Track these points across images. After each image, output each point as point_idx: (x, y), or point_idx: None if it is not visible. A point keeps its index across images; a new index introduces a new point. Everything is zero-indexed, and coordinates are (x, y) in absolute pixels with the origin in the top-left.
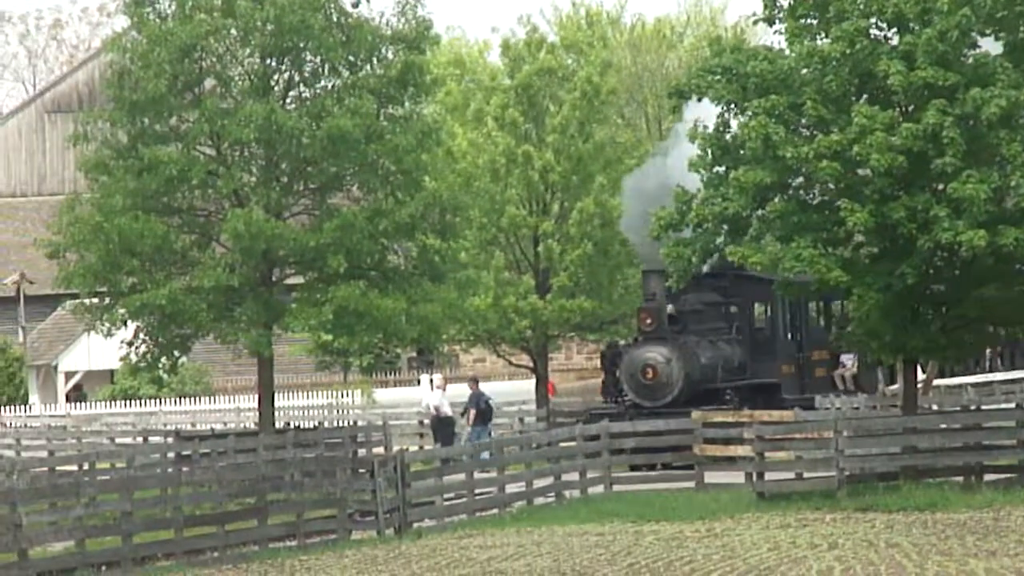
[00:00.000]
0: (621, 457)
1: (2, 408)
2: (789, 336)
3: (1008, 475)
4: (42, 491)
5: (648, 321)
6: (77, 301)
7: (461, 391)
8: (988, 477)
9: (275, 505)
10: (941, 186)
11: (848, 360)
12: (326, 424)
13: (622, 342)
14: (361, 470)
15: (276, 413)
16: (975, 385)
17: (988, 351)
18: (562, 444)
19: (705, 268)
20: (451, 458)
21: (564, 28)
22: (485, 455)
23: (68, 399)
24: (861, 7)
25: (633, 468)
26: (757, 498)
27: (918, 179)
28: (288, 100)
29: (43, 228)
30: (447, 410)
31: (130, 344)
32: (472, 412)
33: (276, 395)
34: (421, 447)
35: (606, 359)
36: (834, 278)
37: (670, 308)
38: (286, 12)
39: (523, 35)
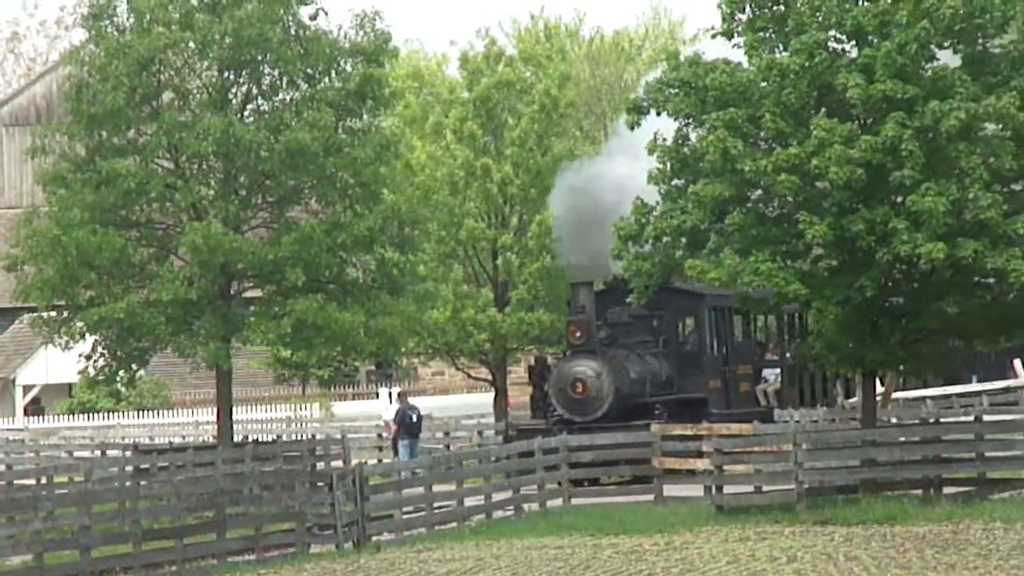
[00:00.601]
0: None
1: None
2: (715, 350)
3: (967, 488)
4: (0, 504)
5: (577, 334)
6: (35, 314)
7: (421, 404)
8: (947, 490)
9: (234, 519)
10: (900, 199)
11: (771, 375)
12: (285, 437)
13: (549, 357)
14: (320, 483)
15: (235, 426)
16: (934, 398)
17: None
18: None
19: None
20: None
21: (522, 41)
22: (418, 471)
23: (26, 412)
24: (820, 20)
25: (575, 483)
26: (716, 511)
27: (877, 192)
28: (246, 113)
29: (0, 241)
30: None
31: (88, 357)
32: (394, 427)
33: (235, 408)
34: (380, 460)
35: (534, 373)
36: (792, 291)
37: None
38: (244, 25)
39: (481, 48)
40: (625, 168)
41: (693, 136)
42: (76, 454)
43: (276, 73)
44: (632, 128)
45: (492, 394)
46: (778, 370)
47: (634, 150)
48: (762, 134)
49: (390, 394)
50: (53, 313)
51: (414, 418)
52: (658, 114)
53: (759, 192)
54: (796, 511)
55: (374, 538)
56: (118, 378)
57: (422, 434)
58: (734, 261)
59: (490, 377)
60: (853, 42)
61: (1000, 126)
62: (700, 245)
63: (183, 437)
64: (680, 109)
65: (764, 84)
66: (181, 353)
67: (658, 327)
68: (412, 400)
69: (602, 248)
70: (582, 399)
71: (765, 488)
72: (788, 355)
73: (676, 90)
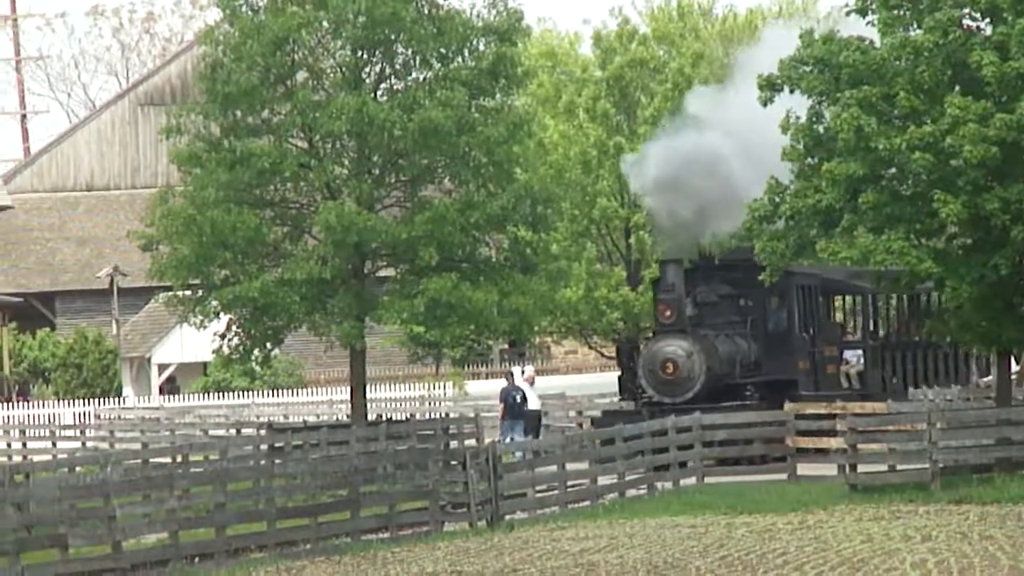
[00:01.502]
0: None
1: (96, 400)
2: (804, 330)
3: None
4: (136, 483)
5: (667, 313)
6: (170, 293)
7: (553, 383)
8: None
9: (367, 497)
10: None
11: (852, 357)
12: (418, 416)
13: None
14: (453, 462)
15: (368, 405)
16: None
17: None
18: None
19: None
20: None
21: (656, 20)
22: (517, 454)
23: (161, 391)
24: None
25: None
26: (850, 490)
27: (1012, 170)
28: (380, 92)
29: (136, 220)
30: (535, 403)
31: (223, 336)
32: (501, 408)
33: (368, 387)
34: (512, 439)
35: (622, 354)
36: (926, 270)
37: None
38: (377, 4)
39: (615, 27)
40: (718, 142)
41: (827, 114)
42: (211, 432)
43: (409, 52)
44: (765, 105)
45: None
46: (860, 351)
47: (725, 126)
48: (896, 112)
49: (521, 372)
50: (188, 292)
51: (517, 399)
52: (791, 91)
53: (893, 171)
54: (930, 490)
55: (507, 517)
56: (252, 357)
57: (558, 413)
58: (867, 240)
59: None
60: (988, 19)
61: None
62: (834, 224)
63: (317, 416)
64: (814, 87)
65: (898, 62)
66: (315, 332)
67: (745, 306)
68: (548, 380)
69: (691, 223)
70: (673, 380)
71: (899, 467)
72: (869, 337)
73: (810, 68)
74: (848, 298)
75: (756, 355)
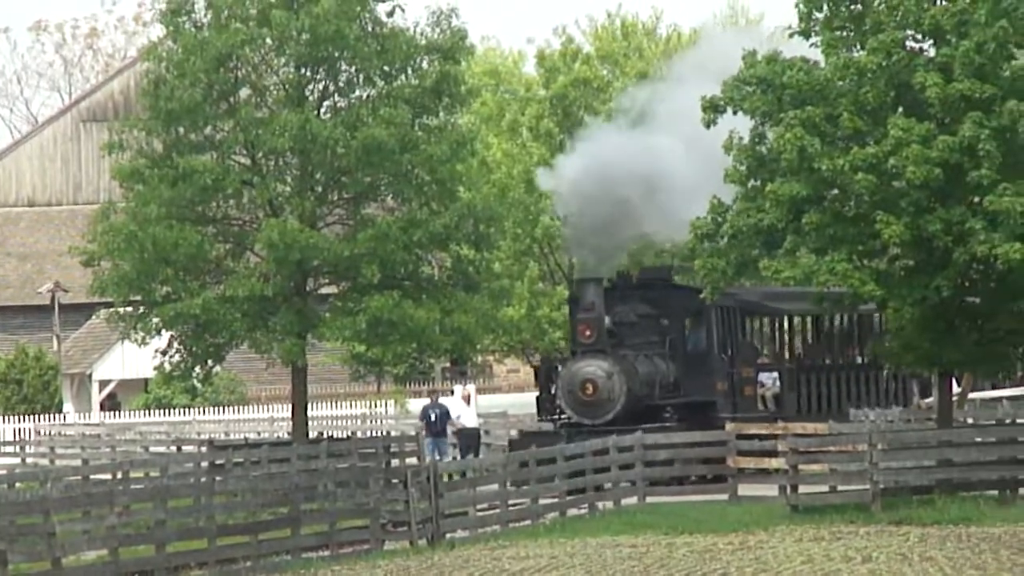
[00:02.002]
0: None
1: (37, 417)
2: (723, 351)
3: None
4: (76, 500)
5: (587, 333)
6: (112, 310)
7: (496, 401)
8: (1023, 491)
9: (308, 515)
10: (977, 199)
11: (768, 379)
12: (360, 434)
13: (557, 357)
14: (394, 480)
15: (310, 423)
16: (1011, 398)
17: None
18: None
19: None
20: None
21: (599, 39)
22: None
23: (102, 408)
24: (897, 19)
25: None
26: (791, 511)
27: (954, 192)
28: (323, 110)
29: (78, 236)
30: (473, 421)
31: (164, 353)
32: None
33: (310, 405)
34: (454, 458)
35: (541, 374)
36: (868, 291)
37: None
38: (321, 22)
39: (558, 46)
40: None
41: (770, 135)
42: (152, 449)
43: (353, 70)
44: (708, 127)
45: None
46: (775, 373)
47: (658, 121)
48: (839, 133)
49: (462, 391)
50: (130, 308)
51: (434, 416)
52: (735, 112)
53: (836, 191)
54: (871, 511)
55: (448, 535)
56: (194, 374)
57: (500, 431)
58: (810, 260)
59: None
60: (931, 41)
61: None
62: (777, 244)
63: (258, 433)
64: (757, 107)
65: (841, 83)
66: (257, 349)
67: (664, 326)
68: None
69: (612, 242)
70: (593, 401)
71: (840, 488)
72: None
73: (753, 88)
74: (760, 320)
75: (675, 376)
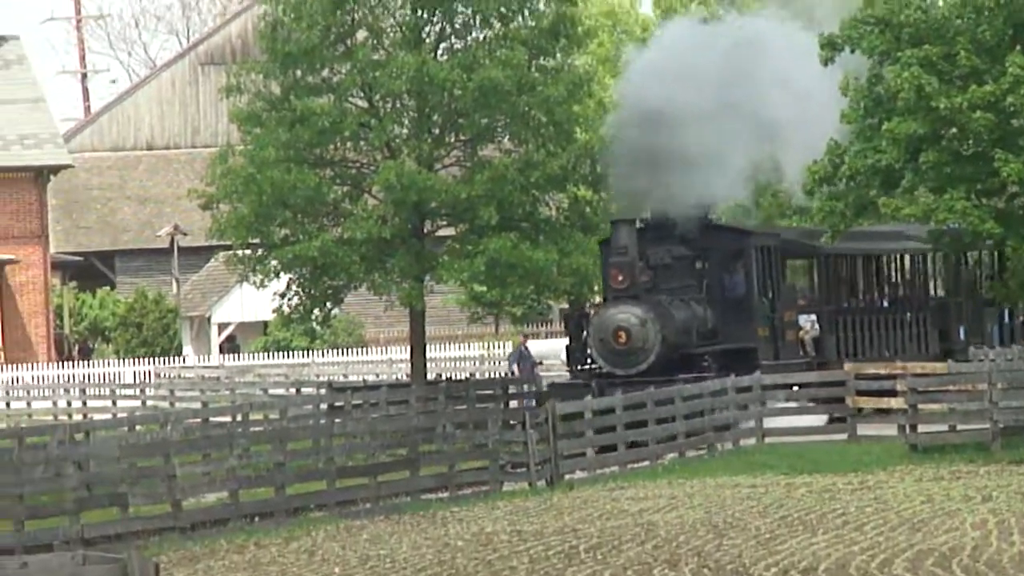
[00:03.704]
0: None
1: (156, 359)
2: (763, 295)
3: None
4: (196, 442)
5: (619, 278)
6: (230, 252)
7: None
8: None
9: (427, 456)
10: None
11: (807, 322)
12: (478, 376)
13: (589, 303)
14: (513, 422)
15: (428, 364)
16: None
17: None
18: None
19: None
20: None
21: None
22: None
23: (221, 350)
24: None
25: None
26: (910, 450)
27: None
28: (440, 51)
29: (196, 180)
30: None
31: (283, 296)
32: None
33: (428, 346)
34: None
35: (571, 322)
36: (987, 229)
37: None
38: None
39: None
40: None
41: (887, 74)
42: (271, 392)
43: (469, 11)
44: (825, 64)
45: None
46: (814, 316)
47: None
48: (957, 71)
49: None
50: (248, 251)
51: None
52: (852, 51)
53: (954, 130)
54: (991, 450)
55: (567, 476)
56: (312, 316)
57: None
58: (929, 199)
59: None
60: None
61: None
62: (895, 184)
63: (377, 375)
64: (874, 46)
65: (959, 21)
66: (375, 291)
67: (702, 269)
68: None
69: (648, 180)
70: (626, 350)
71: (960, 427)
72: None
73: (871, 27)
74: (800, 261)
75: (713, 322)
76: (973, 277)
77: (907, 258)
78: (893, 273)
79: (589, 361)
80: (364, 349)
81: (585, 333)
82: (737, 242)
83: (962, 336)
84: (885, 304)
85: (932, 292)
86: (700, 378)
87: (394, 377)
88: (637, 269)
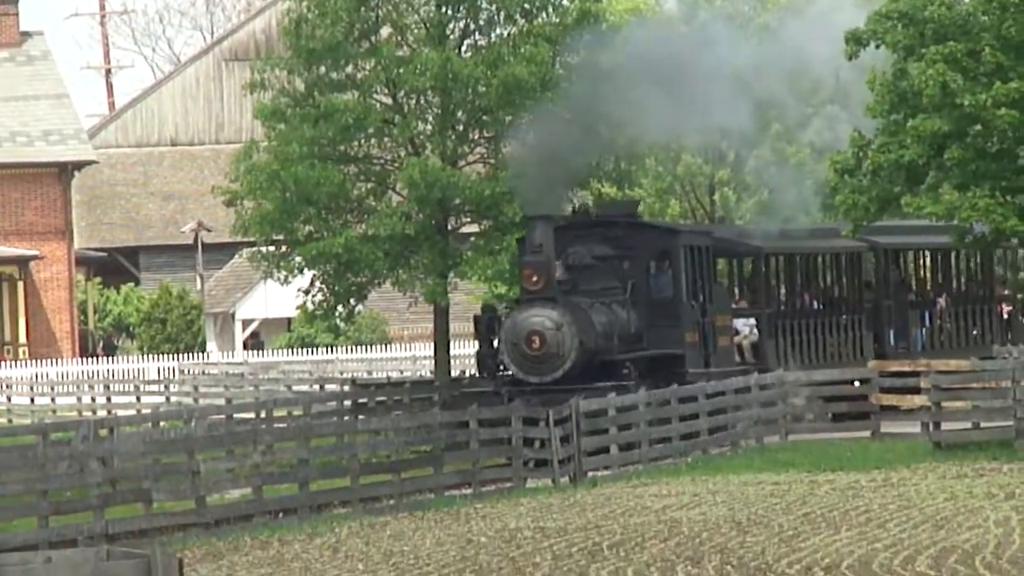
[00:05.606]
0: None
1: (180, 355)
2: (693, 298)
3: None
4: (219, 438)
5: (534, 279)
6: (254, 249)
7: None
8: None
9: (451, 453)
10: None
11: (744, 327)
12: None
13: (500, 305)
14: (536, 419)
15: (452, 361)
16: None
17: None
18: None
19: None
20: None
21: None
22: None
23: (245, 347)
24: None
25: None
26: (933, 448)
27: None
28: (464, 48)
29: (220, 176)
30: None
31: (307, 292)
32: None
33: (452, 343)
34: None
35: (480, 325)
36: (1011, 227)
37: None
38: None
39: None
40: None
41: (912, 70)
42: (295, 388)
43: (493, 8)
44: (850, 59)
45: None
46: (753, 320)
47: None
48: (982, 68)
49: None
50: (272, 248)
51: None
52: (876, 46)
53: (978, 127)
54: (1014, 448)
55: (590, 473)
56: (336, 313)
57: None
58: (952, 196)
59: None
60: None
61: None
62: (918, 180)
63: (401, 372)
64: (899, 41)
65: (984, 17)
66: (399, 288)
67: (627, 270)
68: None
69: (563, 176)
70: (539, 356)
71: (983, 424)
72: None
73: (895, 21)
74: (736, 262)
75: (637, 326)
76: (900, 277)
77: (842, 258)
78: (828, 274)
79: (501, 367)
80: (388, 346)
81: (496, 338)
82: (664, 241)
83: (891, 341)
84: (821, 307)
85: (865, 294)
86: (620, 387)
87: (418, 374)
88: (553, 269)
